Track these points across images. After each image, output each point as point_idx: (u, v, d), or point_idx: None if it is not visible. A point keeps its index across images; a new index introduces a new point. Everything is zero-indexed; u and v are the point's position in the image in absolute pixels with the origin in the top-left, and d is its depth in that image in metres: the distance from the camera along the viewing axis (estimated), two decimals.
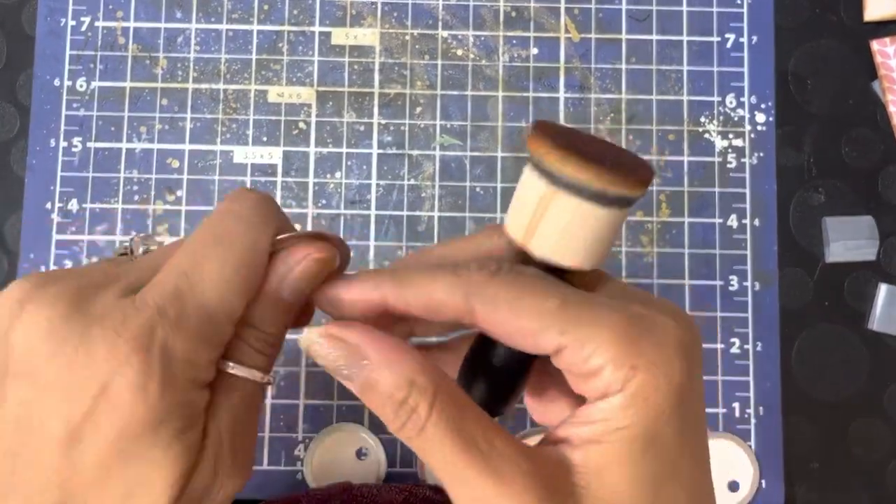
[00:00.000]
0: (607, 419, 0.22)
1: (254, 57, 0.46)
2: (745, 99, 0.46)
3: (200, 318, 0.23)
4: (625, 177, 0.22)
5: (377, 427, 0.43)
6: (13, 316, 0.23)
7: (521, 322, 0.22)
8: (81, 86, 0.45)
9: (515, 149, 0.46)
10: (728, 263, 0.45)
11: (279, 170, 0.45)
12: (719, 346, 0.44)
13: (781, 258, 0.45)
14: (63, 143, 0.45)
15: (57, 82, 0.45)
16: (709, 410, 0.44)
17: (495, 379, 0.25)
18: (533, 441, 0.24)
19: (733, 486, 0.43)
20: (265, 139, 0.45)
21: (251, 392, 0.25)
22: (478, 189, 0.45)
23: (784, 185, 0.46)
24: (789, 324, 0.45)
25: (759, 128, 0.46)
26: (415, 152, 0.45)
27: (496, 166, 0.45)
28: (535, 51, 0.46)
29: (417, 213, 0.45)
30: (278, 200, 0.45)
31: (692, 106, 0.46)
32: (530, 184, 0.23)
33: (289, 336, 0.26)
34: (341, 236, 0.45)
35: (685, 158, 0.46)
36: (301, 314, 0.26)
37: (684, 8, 0.47)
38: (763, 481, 0.43)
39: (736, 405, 0.44)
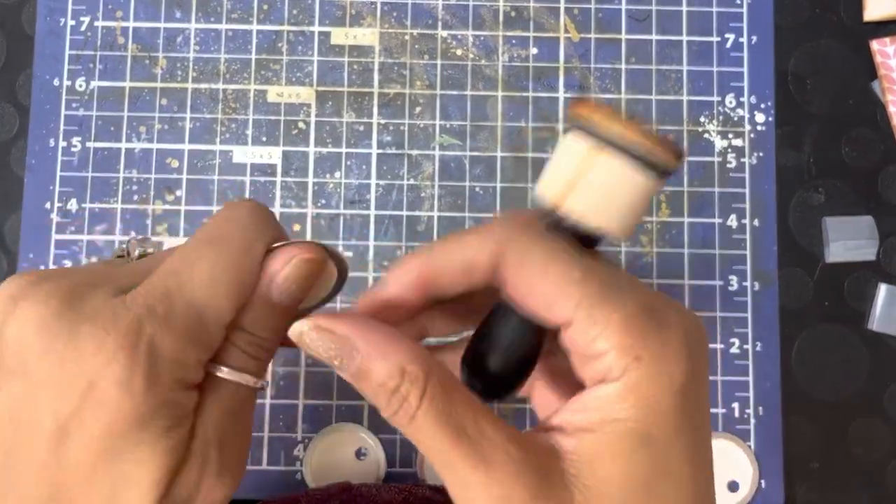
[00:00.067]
0: (602, 408, 0.22)
1: (253, 57, 0.46)
2: (744, 99, 0.46)
3: (189, 317, 0.23)
4: (666, 146, 0.22)
5: (376, 427, 0.43)
6: (7, 312, 0.23)
7: (545, 285, 0.22)
8: (81, 86, 0.45)
9: (515, 149, 0.46)
10: (728, 263, 0.45)
11: (279, 170, 0.45)
12: (719, 346, 0.44)
13: (781, 258, 0.45)
14: (62, 143, 0.45)
15: (56, 82, 0.45)
16: None
17: (505, 353, 0.25)
18: None
19: (733, 486, 0.43)
20: (265, 139, 0.45)
21: (242, 396, 0.25)
22: (477, 189, 0.45)
23: (784, 185, 0.45)
24: (789, 324, 0.45)
25: (758, 128, 0.46)
26: (414, 152, 0.45)
27: (496, 166, 0.45)
28: (534, 51, 0.46)
29: (417, 212, 0.45)
30: (278, 200, 0.45)
31: (692, 106, 0.46)
32: (572, 146, 0.23)
33: None
34: (341, 236, 0.45)
35: (685, 158, 0.46)
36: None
37: (684, 8, 0.47)
38: (763, 481, 0.43)
39: (736, 405, 0.44)
